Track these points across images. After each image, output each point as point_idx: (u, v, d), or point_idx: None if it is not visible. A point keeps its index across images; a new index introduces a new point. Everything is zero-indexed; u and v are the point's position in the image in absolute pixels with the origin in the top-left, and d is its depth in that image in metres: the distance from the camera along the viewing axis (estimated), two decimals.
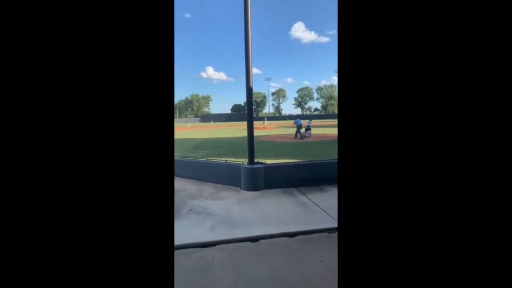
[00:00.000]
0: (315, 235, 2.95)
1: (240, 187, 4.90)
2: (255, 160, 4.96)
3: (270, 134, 15.28)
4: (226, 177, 5.17)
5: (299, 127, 13.39)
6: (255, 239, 2.86)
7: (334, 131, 16.87)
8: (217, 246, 2.75)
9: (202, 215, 3.61)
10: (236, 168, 5.02)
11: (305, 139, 13.05)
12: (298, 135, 13.34)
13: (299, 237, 2.91)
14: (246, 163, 4.98)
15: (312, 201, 4.08)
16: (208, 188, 4.95)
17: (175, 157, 6.66)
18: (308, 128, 13.56)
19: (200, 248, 2.70)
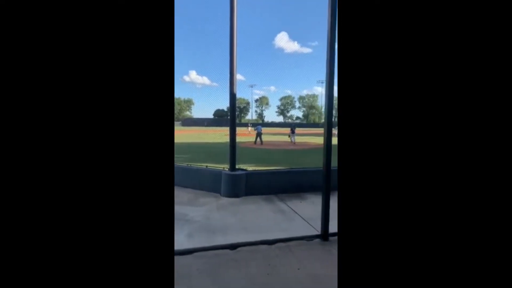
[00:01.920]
0: (293, 242, 2.96)
1: (220, 193, 4.84)
2: (237, 167, 4.94)
3: (253, 140, 15.39)
4: (207, 183, 5.10)
5: (259, 134, 15.03)
6: (233, 247, 2.82)
7: (315, 140, 17.28)
8: (194, 253, 2.68)
9: (180, 222, 3.52)
10: (216, 174, 4.96)
11: (281, 147, 13.71)
12: (258, 140, 14.95)
13: (278, 244, 2.90)
14: (227, 169, 4.94)
15: (291, 209, 4.11)
16: (187, 194, 4.84)
17: None
18: (259, 134, 15.21)
19: (177, 256, 2.61)
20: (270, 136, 19.42)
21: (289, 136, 16.36)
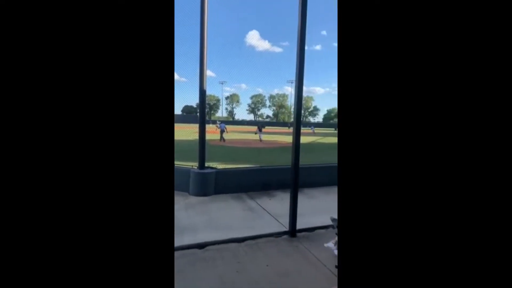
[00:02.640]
0: (262, 239, 2.99)
1: (188, 192, 4.73)
2: (206, 165, 4.86)
3: (226, 139, 15.34)
4: (174, 181, 4.94)
5: (222, 131, 15.60)
6: (202, 246, 2.78)
7: (284, 138, 17.63)
8: None
9: None
10: (185, 172, 4.83)
11: (253, 145, 14.14)
12: (222, 139, 15.43)
13: (247, 242, 2.92)
14: (196, 167, 4.84)
15: (260, 206, 4.15)
16: None
17: None
18: (222, 131, 15.86)
19: None
20: (240, 134, 19.42)
21: (256, 133, 17.00)
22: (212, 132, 16.44)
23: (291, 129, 3.19)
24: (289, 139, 4.08)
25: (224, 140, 15.30)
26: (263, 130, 17.50)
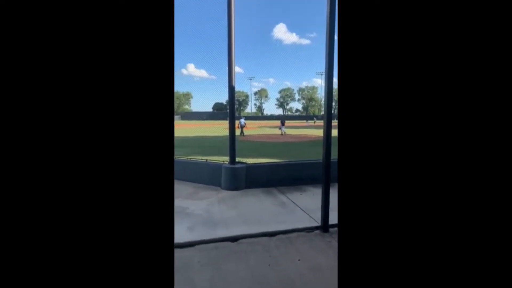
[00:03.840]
0: (294, 234, 2.98)
1: (220, 186, 4.86)
2: (236, 160, 4.94)
3: (252, 134, 15.57)
4: (207, 176, 5.11)
5: (242, 126, 16.46)
6: (234, 239, 2.85)
7: (314, 132, 17.35)
8: (196, 246, 2.70)
9: (180, 215, 3.54)
10: (217, 167, 4.97)
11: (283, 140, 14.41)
12: (242, 133, 16.27)
13: (278, 236, 2.93)
14: (227, 162, 4.95)
15: (291, 201, 4.13)
16: (187, 188, 4.86)
17: None
18: (242, 126, 16.64)
19: (178, 249, 2.64)
20: (270, 130, 19.54)
21: (279, 128, 18.17)
22: (237, 128, 16.70)
23: (310, 123, 3.10)
24: (320, 132, 3.97)
25: (243, 135, 15.98)
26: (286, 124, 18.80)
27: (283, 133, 17.39)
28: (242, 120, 16.94)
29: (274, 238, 2.89)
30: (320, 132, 3.35)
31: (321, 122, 3.23)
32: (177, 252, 2.58)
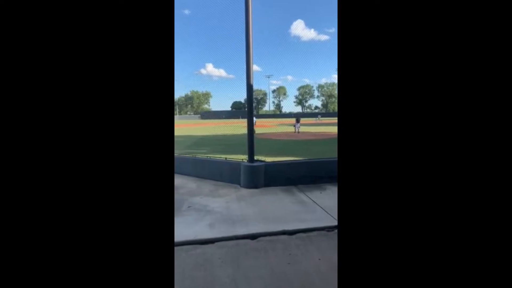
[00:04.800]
0: (314, 233, 2.96)
1: (239, 184, 4.91)
2: (255, 158, 4.96)
3: (269, 132, 15.55)
4: (226, 174, 5.18)
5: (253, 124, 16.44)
6: (254, 237, 2.87)
7: (332, 129, 17.06)
8: (216, 243, 2.76)
9: (201, 212, 3.62)
10: (236, 165, 5.03)
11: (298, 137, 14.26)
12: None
13: (298, 235, 2.92)
14: (246, 160, 4.99)
15: (311, 199, 4.09)
16: (207, 186, 4.96)
17: (175, 154, 6.66)
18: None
19: (199, 245, 2.71)
20: (289, 128, 19.44)
21: (294, 126, 17.76)
22: (258, 126, 17.00)
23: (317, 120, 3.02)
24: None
25: (254, 132, 16.07)
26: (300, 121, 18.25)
27: (297, 131, 16.95)
28: (254, 119, 17.07)
29: (294, 237, 2.88)
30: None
31: (325, 120, 3.13)
32: (198, 249, 2.65)
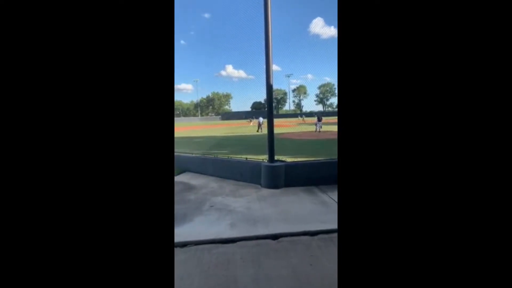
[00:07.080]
0: (336, 234, 2.89)
1: (260, 184, 4.92)
2: (275, 158, 4.95)
3: (289, 131, 15.43)
4: (247, 174, 5.21)
5: (260, 124, 17.24)
6: (275, 237, 2.86)
7: None
8: (237, 242, 2.78)
9: (222, 212, 3.67)
10: (256, 165, 5.04)
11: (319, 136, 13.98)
12: (260, 130, 16.78)
13: (320, 236, 2.87)
14: (266, 160, 4.99)
15: (333, 200, 4.00)
16: (229, 186, 5.02)
17: (196, 155, 6.81)
18: (260, 124, 17.18)
19: (220, 244, 2.74)
20: (308, 127, 19.15)
21: (315, 124, 17.25)
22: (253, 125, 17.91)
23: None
24: None
25: (261, 131, 16.54)
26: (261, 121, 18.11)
27: (318, 130, 16.33)
28: (261, 119, 17.72)
29: (315, 238, 2.84)
30: None
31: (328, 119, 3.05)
32: (220, 248, 2.69)
